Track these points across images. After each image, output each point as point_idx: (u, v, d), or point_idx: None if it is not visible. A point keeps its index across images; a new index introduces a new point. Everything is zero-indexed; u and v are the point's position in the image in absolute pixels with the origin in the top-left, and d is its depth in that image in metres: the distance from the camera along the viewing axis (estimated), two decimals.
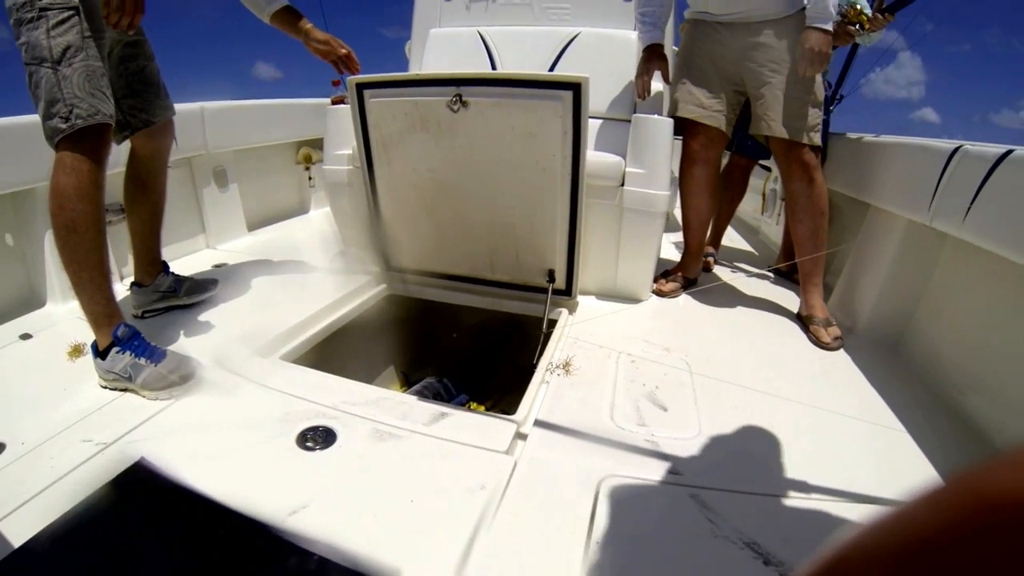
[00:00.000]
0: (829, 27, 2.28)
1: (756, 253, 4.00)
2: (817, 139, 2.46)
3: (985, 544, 0.19)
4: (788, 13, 2.38)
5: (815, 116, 2.43)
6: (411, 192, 2.52)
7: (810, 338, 2.44)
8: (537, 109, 2.15)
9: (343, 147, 2.82)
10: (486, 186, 2.39)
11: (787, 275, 3.23)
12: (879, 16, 2.86)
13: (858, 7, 2.76)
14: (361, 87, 2.33)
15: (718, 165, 2.78)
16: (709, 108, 2.61)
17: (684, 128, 2.71)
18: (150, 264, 2.42)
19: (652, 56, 2.66)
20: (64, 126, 1.74)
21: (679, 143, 2.73)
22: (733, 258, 3.65)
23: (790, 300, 2.81)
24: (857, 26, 2.82)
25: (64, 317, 2.35)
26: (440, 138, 2.31)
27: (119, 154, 2.30)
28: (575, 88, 2.07)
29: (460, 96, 2.18)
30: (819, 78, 2.43)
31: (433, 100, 2.23)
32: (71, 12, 1.72)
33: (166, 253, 2.51)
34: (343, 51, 2.39)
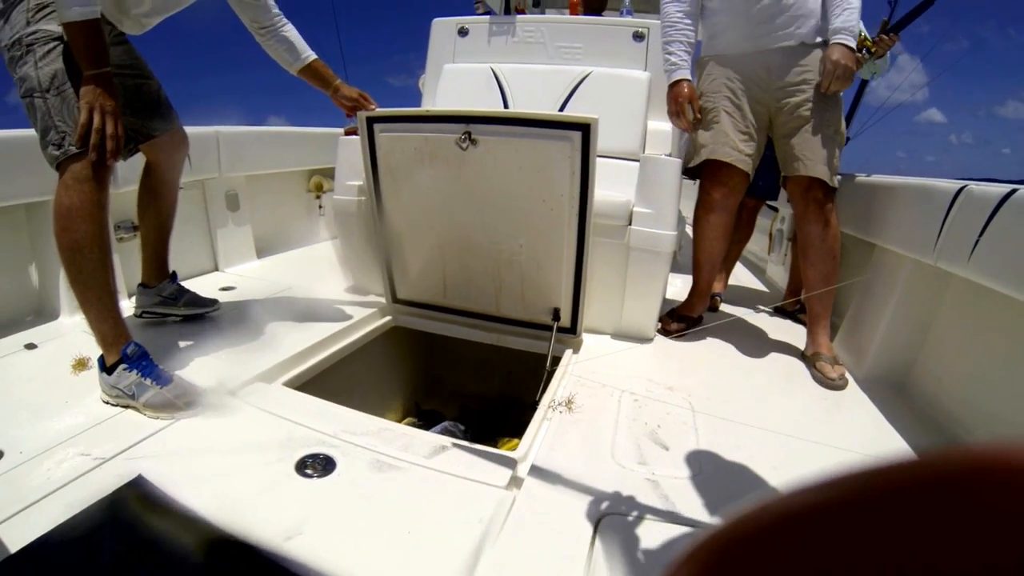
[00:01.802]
0: (853, 43, 2.29)
1: (762, 292, 4.00)
2: (837, 181, 2.47)
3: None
4: (819, 40, 2.40)
5: (839, 157, 2.45)
6: (419, 226, 2.55)
7: (815, 375, 2.43)
8: (546, 149, 2.17)
9: (354, 178, 2.85)
10: (493, 223, 2.41)
11: (793, 315, 3.23)
12: (883, 37, 2.87)
13: (861, 34, 2.76)
14: (372, 120, 2.37)
15: (736, 211, 2.75)
16: (743, 152, 2.55)
17: (703, 172, 2.65)
18: (157, 269, 2.52)
19: (685, 89, 2.61)
20: (58, 152, 1.79)
21: (687, 182, 2.74)
22: (739, 297, 3.64)
23: (796, 339, 2.81)
24: (863, 51, 2.82)
25: (72, 329, 2.37)
26: (448, 174, 2.34)
27: (135, 171, 2.34)
28: (584, 129, 2.09)
29: (469, 134, 2.21)
30: (841, 118, 2.45)
31: (443, 137, 2.26)
32: (56, 42, 1.78)
33: (177, 271, 2.55)
34: (371, 107, 2.44)
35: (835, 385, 2.34)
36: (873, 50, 2.81)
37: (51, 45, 1.78)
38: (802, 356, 2.64)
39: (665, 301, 2.92)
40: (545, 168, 2.21)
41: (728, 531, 0.23)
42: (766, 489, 1.65)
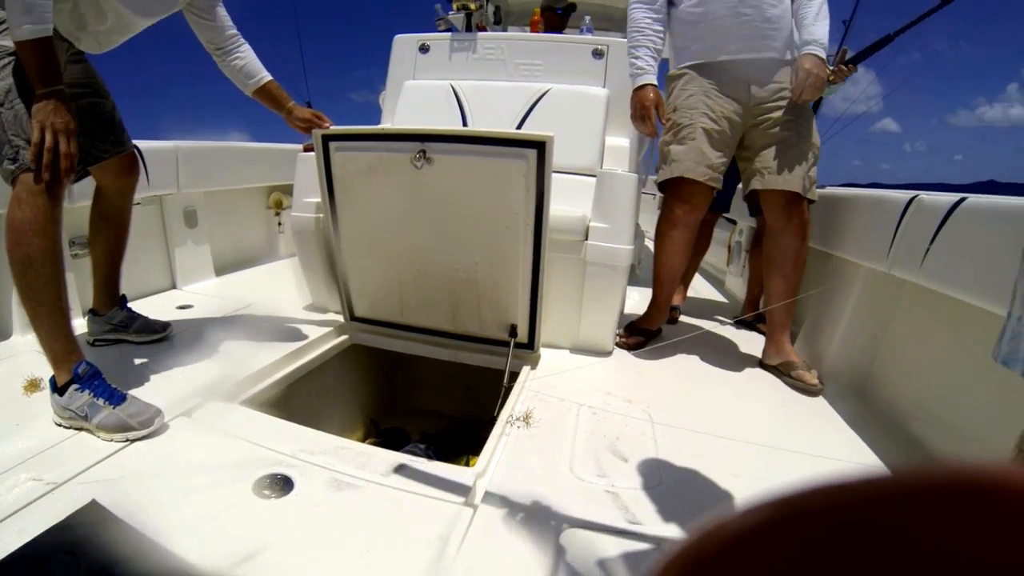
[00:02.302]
0: (823, 54, 2.33)
1: (722, 303, 4.06)
2: (815, 194, 2.51)
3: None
4: (789, 56, 2.45)
5: (815, 170, 2.48)
6: (374, 244, 2.55)
7: (792, 384, 2.48)
8: (501, 167, 2.18)
9: (312, 195, 2.83)
10: (449, 241, 2.42)
11: (751, 325, 3.28)
12: (842, 68, 2.93)
13: None
14: (327, 139, 2.36)
15: (697, 227, 2.76)
16: (716, 170, 2.54)
17: (668, 187, 2.65)
18: (108, 296, 2.47)
19: (651, 94, 2.56)
20: (12, 167, 1.77)
21: (645, 196, 2.78)
22: (698, 309, 3.69)
23: (755, 349, 2.85)
24: None
25: (25, 349, 2.32)
26: (403, 192, 2.34)
27: (91, 184, 2.32)
28: (540, 146, 2.10)
29: (424, 152, 2.21)
30: (815, 131, 2.50)
31: (397, 156, 2.26)
32: (10, 58, 1.77)
33: (132, 290, 2.53)
34: (326, 125, 2.43)
35: (816, 390, 2.39)
36: (831, 79, 2.86)
37: (5, 60, 1.77)
38: (761, 365, 2.68)
39: (624, 315, 2.95)
40: (500, 186, 2.22)
41: (695, 546, 0.23)
42: (726, 498, 1.68)
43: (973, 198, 1.89)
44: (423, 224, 2.41)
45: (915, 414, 2.14)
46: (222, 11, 2.33)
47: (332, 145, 2.37)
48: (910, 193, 2.17)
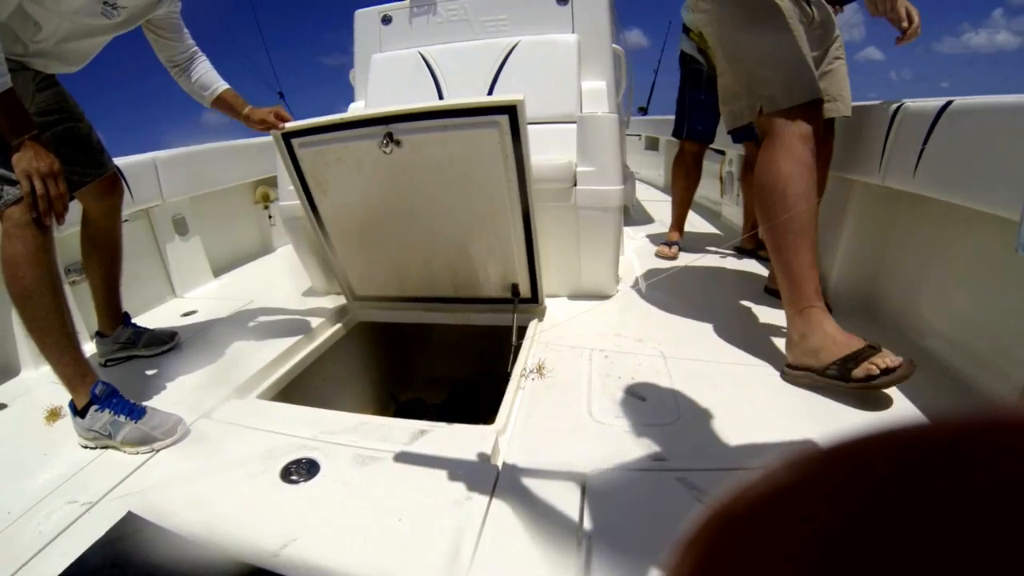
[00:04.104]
0: None
1: (720, 235, 4.05)
2: None
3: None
4: None
5: None
6: (361, 230, 2.54)
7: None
8: (474, 138, 2.14)
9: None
10: (435, 215, 2.41)
11: (753, 252, 3.28)
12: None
13: None
14: (287, 137, 2.33)
15: None
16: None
17: (804, 113, 1.95)
18: (111, 317, 2.48)
19: None
20: None
21: (630, 139, 2.74)
22: (698, 243, 3.69)
23: (757, 275, 2.85)
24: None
25: (39, 382, 2.34)
26: (379, 178, 2.32)
27: (77, 211, 2.31)
28: (511, 111, 2.05)
29: (391, 135, 2.17)
30: None
31: (363, 143, 2.22)
32: None
33: (134, 306, 2.53)
34: (282, 125, 2.36)
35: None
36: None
37: None
38: (767, 289, 2.69)
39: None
40: (476, 157, 2.19)
41: (732, 506, 0.22)
42: (746, 425, 1.69)
43: (960, 100, 1.86)
44: (405, 205, 2.39)
45: (926, 330, 2.12)
46: (183, 30, 2.29)
47: (294, 143, 2.33)
48: (896, 101, 2.13)
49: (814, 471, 0.21)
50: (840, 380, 1.76)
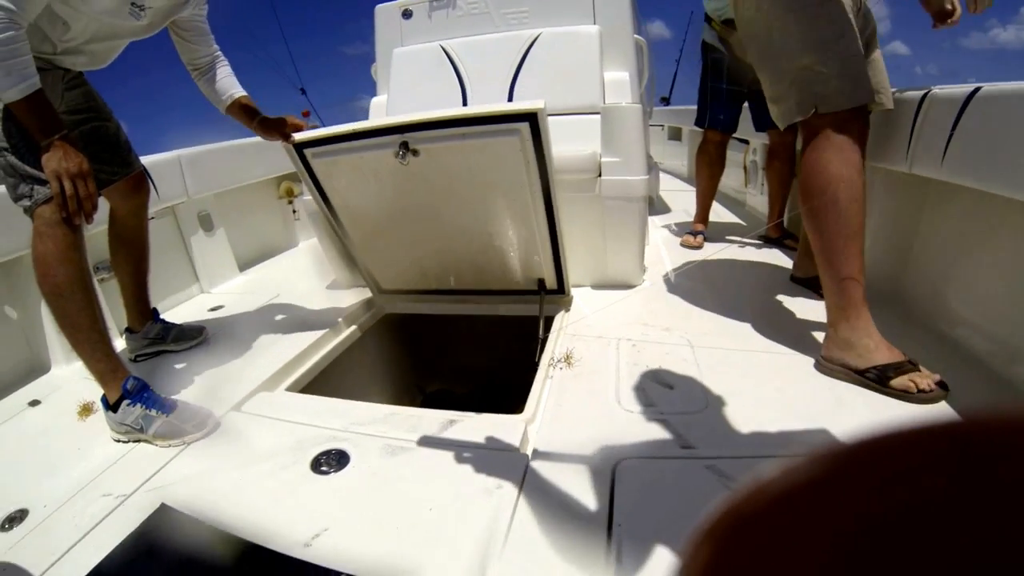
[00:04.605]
0: None
1: (744, 224, 4.02)
2: None
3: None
4: None
5: None
6: (379, 227, 2.53)
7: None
8: (494, 147, 2.10)
9: None
10: (456, 215, 2.38)
11: (777, 241, 3.25)
12: None
13: None
14: (299, 148, 2.29)
15: None
16: None
17: (856, 118, 1.88)
18: (140, 313, 2.50)
19: None
20: (29, 203, 1.80)
21: (653, 129, 2.72)
22: (723, 233, 3.67)
23: (783, 264, 2.83)
24: None
25: (70, 378, 2.37)
26: (397, 186, 2.30)
27: (105, 209, 2.33)
28: (531, 118, 1.99)
29: (406, 144, 2.10)
30: None
31: (379, 153, 2.17)
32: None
33: (161, 303, 2.56)
34: (293, 135, 2.31)
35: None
36: None
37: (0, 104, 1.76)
38: (792, 279, 2.66)
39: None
40: (497, 165, 2.15)
41: (748, 502, 0.22)
42: (775, 413, 1.67)
43: (988, 86, 1.81)
44: (426, 207, 2.37)
45: (956, 319, 2.07)
46: (208, 35, 2.29)
47: (307, 152, 2.30)
48: (923, 88, 2.09)
49: (836, 468, 0.21)
50: (878, 383, 1.74)
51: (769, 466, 0.21)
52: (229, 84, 2.33)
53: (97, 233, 2.51)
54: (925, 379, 1.69)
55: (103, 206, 2.27)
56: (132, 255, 2.44)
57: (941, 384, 1.69)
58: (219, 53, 2.33)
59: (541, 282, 2.53)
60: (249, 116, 2.33)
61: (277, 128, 2.28)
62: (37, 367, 2.52)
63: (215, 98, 2.33)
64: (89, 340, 1.85)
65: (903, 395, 1.69)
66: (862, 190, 1.82)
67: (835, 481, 0.21)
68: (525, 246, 2.41)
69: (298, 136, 2.27)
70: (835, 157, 1.83)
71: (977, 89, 1.82)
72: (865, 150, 1.89)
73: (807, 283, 2.57)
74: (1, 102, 1.72)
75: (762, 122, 3.32)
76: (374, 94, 3.82)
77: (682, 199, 4.79)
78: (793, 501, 0.21)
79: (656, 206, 4.58)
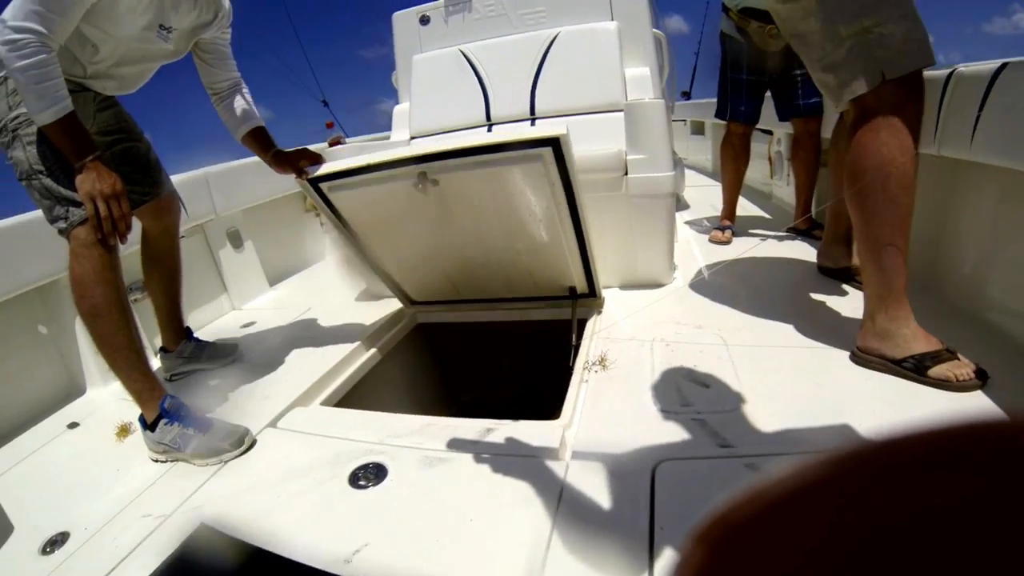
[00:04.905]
0: None
1: (772, 218, 3.97)
2: None
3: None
4: None
5: None
6: (405, 248, 2.50)
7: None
8: (515, 172, 2.06)
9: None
10: (482, 235, 2.35)
11: (806, 232, 3.20)
12: None
13: None
14: (315, 183, 2.24)
15: None
16: None
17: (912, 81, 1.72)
18: (174, 332, 2.53)
19: None
20: (64, 225, 1.81)
21: (676, 124, 2.69)
22: (750, 227, 3.63)
23: (813, 257, 2.78)
24: None
25: (107, 400, 2.40)
26: (417, 211, 2.26)
27: (138, 231, 2.35)
28: (554, 143, 1.92)
29: (425, 175, 2.07)
30: None
31: (398, 185, 2.14)
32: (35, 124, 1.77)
33: (193, 320, 2.58)
34: (307, 170, 2.25)
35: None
36: None
37: (31, 128, 1.78)
38: (820, 269, 2.62)
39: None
40: (521, 189, 2.11)
41: (743, 507, 0.22)
42: (812, 408, 1.64)
43: (1015, 61, 1.76)
44: (450, 228, 2.33)
45: (995, 300, 2.01)
46: (230, 59, 2.30)
47: (324, 186, 2.27)
48: (948, 67, 2.03)
49: (834, 474, 0.21)
50: (915, 373, 1.70)
51: (767, 470, 0.22)
52: (247, 113, 2.32)
53: (130, 254, 2.53)
54: (964, 368, 1.65)
55: (135, 227, 2.29)
56: (165, 275, 2.46)
57: (980, 372, 1.65)
58: (240, 81, 2.33)
59: (572, 288, 2.51)
60: (264, 147, 2.32)
61: (291, 163, 2.24)
62: (74, 389, 2.55)
63: (231, 125, 2.32)
64: (127, 360, 1.87)
65: (942, 384, 1.65)
66: (914, 178, 1.73)
67: (832, 487, 0.21)
68: (554, 255, 2.37)
69: (312, 171, 2.21)
70: (891, 140, 1.70)
71: (1004, 65, 1.78)
72: (920, 132, 1.76)
73: (835, 274, 2.54)
74: (35, 125, 1.74)
75: (785, 111, 3.29)
76: (394, 96, 3.84)
77: (708, 194, 4.73)
78: (788, 508, 0.21)
79: (682, 203, 4.54)
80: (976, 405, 1.58)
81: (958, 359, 1.68)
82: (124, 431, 2.07)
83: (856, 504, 0.20)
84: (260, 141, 2.32)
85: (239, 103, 2.31)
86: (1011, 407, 1.53)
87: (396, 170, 2.10)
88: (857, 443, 0.20)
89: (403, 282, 2.73)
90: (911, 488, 0.19)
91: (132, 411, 1.94)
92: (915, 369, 1.70)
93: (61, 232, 1.84)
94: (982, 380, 1.64)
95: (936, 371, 1.66)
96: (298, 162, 2.23)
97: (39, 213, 1.91)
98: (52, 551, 1.51)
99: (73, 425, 2.25)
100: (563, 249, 2.31)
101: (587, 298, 2.55)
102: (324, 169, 2.20)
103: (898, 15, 1.65)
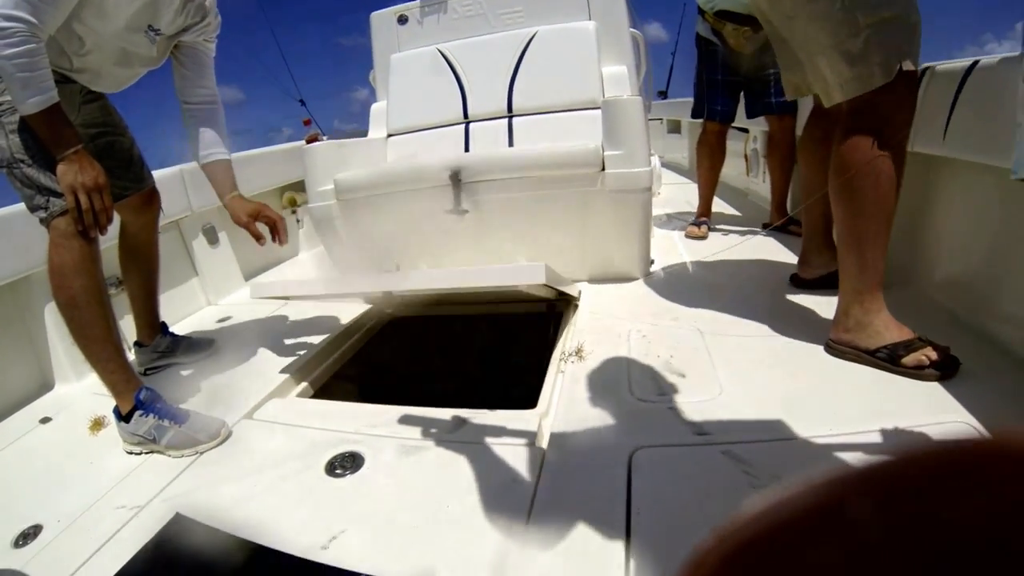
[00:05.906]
0: None
1: (747, 214, 4.01)
2: None
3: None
4: None
5: None
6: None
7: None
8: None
9: (325, 183, 2.84)
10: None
11: (782, 228, 3.24)
12: None
13: None
14: None
15: None
16: None
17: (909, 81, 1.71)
18: (149, 326, 2.50)
19: None
20: (45, 215, 1.79)
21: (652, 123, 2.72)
22: (727, 223, 3.66)
23: (787, 252, 2.81)
24: None
25: (80, 395, 2.37)
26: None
27: (116, 225, 2.33)
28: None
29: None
30: None
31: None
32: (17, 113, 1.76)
33: (169, 316, 2.56)
34: (268, 238, 2.28)
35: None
36: None
37: (14, 116, 1.76)
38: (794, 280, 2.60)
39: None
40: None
41: (741, 534, 0.21)
42: (788, 398, 1.65)
43: (986, 59, 1.80)
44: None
45: (973, 294, 2.01)
46: (210, 73, 2.22)
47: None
48: (923, 65, 2.05)
49: (835, 498, 0.20)
50: (889, 363, 1.72)
51: (764, 494, 0.20)
52: (213, 141, 2.22)
53: (107, 248, 2.51)
54: (936, 352, 1.68)
55: (114, 221, 2.27)
56: (142, 269, 2.44)
57: (952, 359, 1.67)
58: (217, 99, 2.25)
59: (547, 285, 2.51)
60: (224, 185, 2.24)
61: (246, 223, 2.22)
62: (46, 384, 2.52)
63: (195, 148, 2.22)
64: (103, 351, 1.85)
65: (915, 372, 1.67)
66: (900, 176, 1.74)
67: (834, 512, 0.20)
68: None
69: (258, 294, 2.32)
70: (891, 134, 1.71)
71: (976, 63, 1.81)
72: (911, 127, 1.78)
73: (810, 284, 2.42)
74: (19, 114, 1.72)
75: (756, 109, 3.37)
76: (367, 84, 3.85)
77: (685, 191, 4.77)
78: (789, 534, 0.20)
79: (659, 199, 4.57)
80: (946, 395, 1.59)
81: (930, 346, 1.70)
82: (98, 425, 2.05)
83: (856, 532, 0.19)
84: (221, 177, 2.24)
85: (209, 126, 2.22)
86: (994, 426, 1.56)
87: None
88: (846, 470, 0.20)
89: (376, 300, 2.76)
90: (916, 511, 0.18)
91: (105, 405, 1.92)
92: (888, 359, 1.72)
93: (41, 221, 1.82)
94: (954, 367, 1.66)
95: (909, 359, 1.69)
96: (254, 224, 2.22)
97: (10, 209, 1.89)
98: (25, 544, 1.50)
99: (45, 420, 2.22)
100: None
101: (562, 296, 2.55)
102: (278, 292, 2.41)
103: (912, 7, 1.66)
